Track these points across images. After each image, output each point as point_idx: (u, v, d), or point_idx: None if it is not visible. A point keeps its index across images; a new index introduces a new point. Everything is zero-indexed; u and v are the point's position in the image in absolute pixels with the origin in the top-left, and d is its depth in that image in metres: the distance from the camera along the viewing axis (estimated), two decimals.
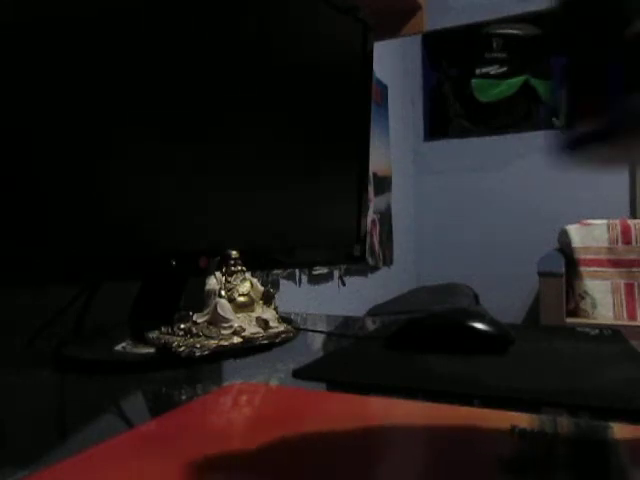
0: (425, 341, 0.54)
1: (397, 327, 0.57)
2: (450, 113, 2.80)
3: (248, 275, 0.57)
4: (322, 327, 0.72)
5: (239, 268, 0.56)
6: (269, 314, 0.58)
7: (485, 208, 2.71)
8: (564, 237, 2.25)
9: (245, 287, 0.55)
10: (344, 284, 2.01)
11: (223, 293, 0.53)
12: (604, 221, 2.23)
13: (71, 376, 0.47)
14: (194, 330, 0.51)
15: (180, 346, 0.49)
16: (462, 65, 2.78)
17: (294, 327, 0.67)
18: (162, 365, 0.49)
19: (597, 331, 0.63)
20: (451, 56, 2.80)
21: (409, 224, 2.80)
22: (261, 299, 0.58)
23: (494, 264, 2.67)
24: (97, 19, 0.45)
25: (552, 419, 0.33)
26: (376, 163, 2.27)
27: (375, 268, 2.30)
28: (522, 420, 0.32)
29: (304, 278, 1.73)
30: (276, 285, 1.53)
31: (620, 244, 2.19)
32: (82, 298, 0.61)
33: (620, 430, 0.31)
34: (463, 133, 2.77)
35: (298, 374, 0.46)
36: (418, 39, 2.85)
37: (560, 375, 0.43)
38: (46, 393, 0.42)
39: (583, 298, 2.17)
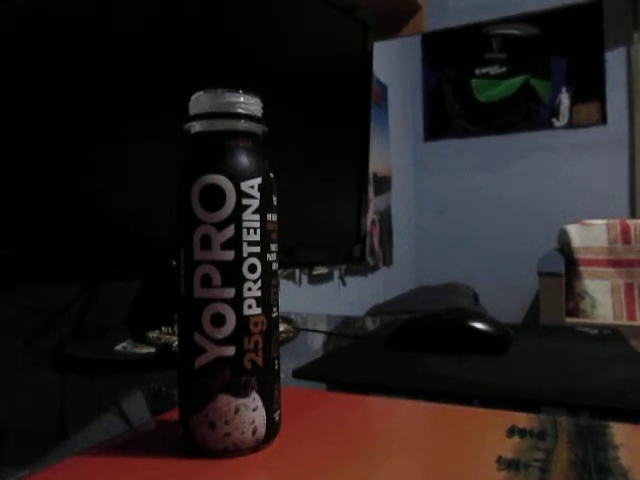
0: (425, 341, 0.54)
1: (397, 327, 0.57)
2: (450, 113, 2.80)
3: None
4: (322, 327, 0.72)
5: None
6: None
7: (485, 208, 2.71)
8: (564, 237, 2.25)
9: None
10: (344, 284, 2.01)
11: None
12: (604, 221, 2.23)
13: (71, 376, 0.47)
14: None
15: None
16: (462, 65, 2.78)
17: (294, 327, 0.67)
18: (162, 365, 0.49)
19: (596, 331, 0.63)
20: (451, 56, 2.80)
21: (409, 224, 2.80)
22: None
23: (494, 264, 2.67)
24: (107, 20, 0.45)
25: (552, 419, 0.33)
26: (376, 163, 2.27)
27: (375, 268, 2.30)
28: (522, 420, 0.32)
29: (304, 278, 1.73)
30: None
31: (620, 244, 2.19)
32: (82, 298, 0.61)
33: (619, 430, 0.31)
34: (463, 133, 2.77)
35: (298, 374, 0.46)
36: (418, 39, 2.85)
37: (560, 375, 0.43)
38: (46, 393, 0.42)
39: (583, 298, 2.17)
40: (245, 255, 0.28)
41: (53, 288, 0.63)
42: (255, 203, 0.28)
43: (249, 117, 0.29)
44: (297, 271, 1.67)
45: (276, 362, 0.29)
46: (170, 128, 0.51)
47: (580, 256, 2.20)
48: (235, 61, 0.59)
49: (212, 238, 0.27)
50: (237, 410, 0.27)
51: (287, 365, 0.49)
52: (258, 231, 0.28)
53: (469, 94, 2.76)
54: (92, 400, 0.40)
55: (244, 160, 0.28)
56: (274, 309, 0.29)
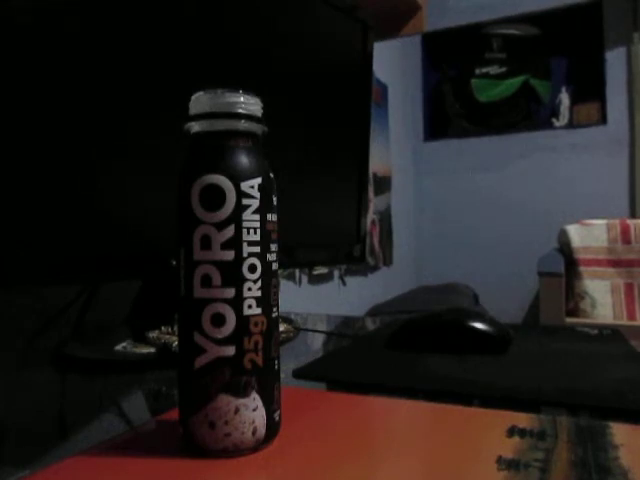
0: (425, 341, 0.54)
1: (397, 327, 0.57)
2: (450, 113, 2.80)
3: None
4: (322, 327, 0.72)
5: None
6: None
7: (485, 208, 2.71)
8: (564, 237, 2.25)
9: None
10: (344, 284, 2.01)
11: None
12: (604, 221, 2.23)
13: (71, 376, 0.47)
14: None
15: None
16: (462, 65, 2.78)
17: (294, 327, 0.67)
18: (162, 365, 0.49)
19: (596, 331, 0.63)
20: (451, 56, 2.80)
21: (409, 224, 2.80)
22: None
23: (494, 264, 2.67)
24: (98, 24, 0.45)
25: (552, 419, 0.33)
26: (376, 163, 2.27)
27: (375, 268, 2.30)
28: (522, 420, 0.32)
29: (304, 278, 1.73)
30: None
31: (619, 244, 2.19)
32: (82, 298, 0.61)
33: (619, 430, 0.31)
34: (463, 133, 2.77)
35: (298, 374, 0.46)
36: (418, 39, 2.85)
37: (560, 375, 0.43)
38: (46, 393, 0.42)
39: (583, 298, 2.17)
40: (245, 255, 0.28)
41: (53, 288, 0.63)
42: (255, 203, 0.28)
43: (249, 117, 0.29)
44: (297, 271, 1.67)
45: (276, 362, 0.29)
46: (170, 128, 0.51)
47: (580, 256, 2.20)
48: (235, 61, 0.59)
49: (212, 238, 0.27)
50: (237, 410, 0.27)
51: (287, 365, 0.49)
52: (258, 231, 0.28)
53: (469, 94, 2.76)
54: (92, 400, 0.40)
55: (244, 160, 0.28)
56: (274, 309, 0.29)
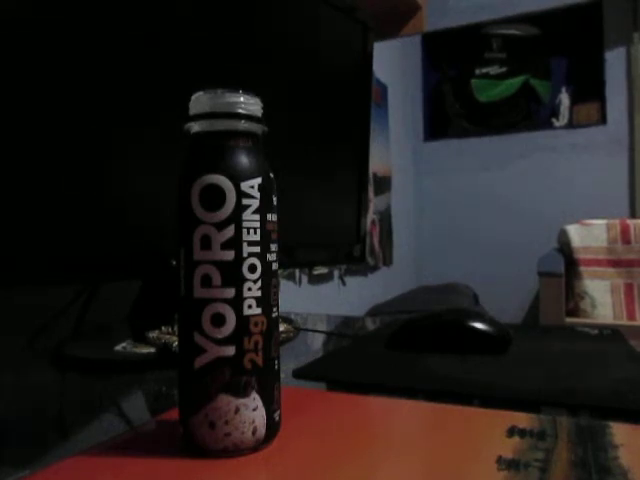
0: (425, 341, 0.54)
1: (397, 327, 0.57)
2: (450, 113, 2.80)
3: None
4: (322, 327, 0.72)
5: None
6: None
7: (485, 208, 2.71)
8: (564, 237, 2.25)
9: None
10: (344, 284, 2.00)
11: None
12: (603, 221, 2.23)
13: (71, 376, 0.47)
14: None
15: None
16: (462, 65, 2.78)
17: (294, 327, 0.67)
18: (162, 365, 0.49)
19: (596, 331, 0.63)
20: (451, 56, 2.80)
21: (409, 224, 2.79)
22: None
23: (494, 264, 2.67)
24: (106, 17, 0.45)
25: (552, 419, 0.33)
26: (376, 163, 2.27)
27: (375, 268, 2.30)
28: (522, 420, 0.32)
29: (304, 278, 1.73)
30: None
31: (619, 244, 2.19)
32: (82, 298, 0.61)
33: (619, 430, 0.31)
34: (463, 133, 2.76)
35: (298, 374, 0.46)
36: (418, 39, 2.85)
37: (560, 375, 0.43)
38: (46, 393, 0.42)
39: (582, 298, 2.17)
40: (245, 255, 0.28)
41: (53, 288, 0.63)
42: (255, 203, 0.28)
43: (249, 117, 0.29)
44: (297, 271, 1.67)
45: (276, 362, 0.29)
46: (170, 128, 0.51)
47: (580, 256, 2.20)
48: (235, 61, 0.59)
49: (212, 238, 0.27)
50: (237, 410, 0.27)
51: (287, 365, 0.49)
52: (258, 231, 0.28)
53: (469, 94, 2.76)
54: (92, 400, 0.40)
55: (244, 160, 0.28)
56: (274, 309, 0.29)
